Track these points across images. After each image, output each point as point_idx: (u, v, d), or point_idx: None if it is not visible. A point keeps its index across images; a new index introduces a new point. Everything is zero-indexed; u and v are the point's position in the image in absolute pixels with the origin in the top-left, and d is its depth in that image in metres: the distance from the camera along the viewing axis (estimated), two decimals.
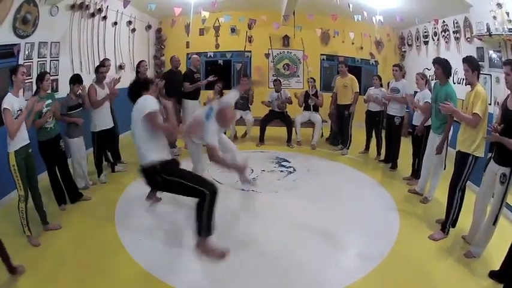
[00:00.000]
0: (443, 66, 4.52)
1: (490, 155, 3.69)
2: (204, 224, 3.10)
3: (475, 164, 3.79)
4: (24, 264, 3.18)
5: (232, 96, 4.21)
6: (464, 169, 3.82)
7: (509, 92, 3.37)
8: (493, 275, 3.28)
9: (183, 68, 7.40)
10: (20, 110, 3.56)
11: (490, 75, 5.73)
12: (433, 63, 4.68)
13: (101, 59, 6.42)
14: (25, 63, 4.85)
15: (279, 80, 8.14)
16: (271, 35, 9.70)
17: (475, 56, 5.50)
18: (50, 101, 4.25)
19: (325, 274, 3.34)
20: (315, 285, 3.19)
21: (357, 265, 3.56)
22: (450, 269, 3.47)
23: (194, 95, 7.15)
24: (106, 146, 5.56)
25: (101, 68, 5.29)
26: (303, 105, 7.89)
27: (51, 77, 5.39)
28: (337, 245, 3.89)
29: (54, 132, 4.33)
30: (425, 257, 3.65)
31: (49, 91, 4.38)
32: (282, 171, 6.17)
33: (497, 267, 3.27)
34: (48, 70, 5.37)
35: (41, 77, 4.19)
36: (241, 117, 7.82)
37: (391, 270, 3.41)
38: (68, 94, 4.83)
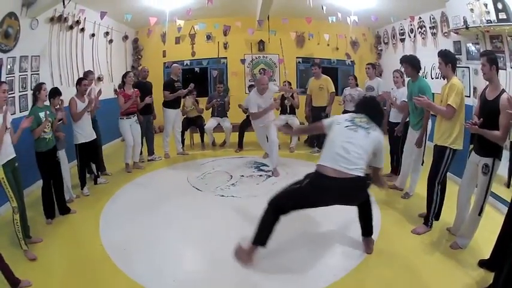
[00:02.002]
0: (411, 64, 4.56)
1: (471, 146, 3.68)
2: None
3: (453, 156, 3.77)
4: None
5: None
6: (442, 162, 3.79)
7: (488, 82, 3.38)
8: (483, 264, 3.26)
9: (160, 77, 7.37)
10: None
11: (468, 67, 5.79)
12: (400, 62, 4.71)
13: (80, 72, 6.40)
14: (8, 78, 4.85)
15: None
16: (247, 41, 9.86)
17: (452, 50, 5.60)
18: (48, 112, 4.28)
19: (308, 274, 3.33)
20: (298, 285, 3.21)
21: (339, 263, 3.53)
22: (437, 262, 3.45)
23: (175, 104, 7.19)
24: (89, 157, 5.52)
25: (83, 81, 5.26)
26: (280, 108, 7.95)
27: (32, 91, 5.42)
28: (319, 244, 3.85)
29: (52, 143, 4.35)
30: (410, 251, 3.64)
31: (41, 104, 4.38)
32: (260, 175, 6.17)
33: (485, 257, 3.27)
34: (29, 84, 5.35)
35: (38, 88, 4.24)
36: (218, 124, 7.91)
37: (375, 266, 3.41)
38: None
